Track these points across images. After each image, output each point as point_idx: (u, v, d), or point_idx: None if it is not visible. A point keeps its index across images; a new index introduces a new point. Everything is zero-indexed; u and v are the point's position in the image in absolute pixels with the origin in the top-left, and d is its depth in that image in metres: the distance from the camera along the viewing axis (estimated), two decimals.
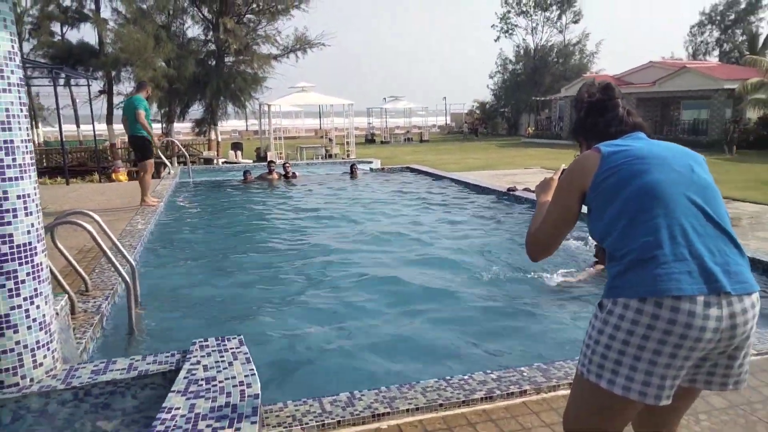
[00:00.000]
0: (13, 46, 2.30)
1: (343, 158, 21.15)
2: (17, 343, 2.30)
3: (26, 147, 2.30)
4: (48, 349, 2.42)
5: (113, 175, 16.62)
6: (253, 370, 2.33)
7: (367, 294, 5.22)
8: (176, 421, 1.94)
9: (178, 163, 17.71)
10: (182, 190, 12.58)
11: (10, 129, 2.23)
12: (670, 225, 1.48)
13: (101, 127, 22.17)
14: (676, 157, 1.61)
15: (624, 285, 1.49)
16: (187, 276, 5.93)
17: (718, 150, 21.66)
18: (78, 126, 30.63)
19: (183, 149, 15.19)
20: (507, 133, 43.07)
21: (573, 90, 33.75)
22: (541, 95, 39.39)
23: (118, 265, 4.10)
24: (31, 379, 2.35)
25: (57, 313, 3.04)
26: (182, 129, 33.59)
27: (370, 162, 16.83)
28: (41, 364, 2.39)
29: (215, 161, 20.61)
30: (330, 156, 22.98)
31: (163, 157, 14.19)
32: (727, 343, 1.47)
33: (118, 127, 21.92)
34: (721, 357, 1.53)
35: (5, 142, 2.21)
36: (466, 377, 3.05)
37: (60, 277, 4.19)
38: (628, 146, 1.64)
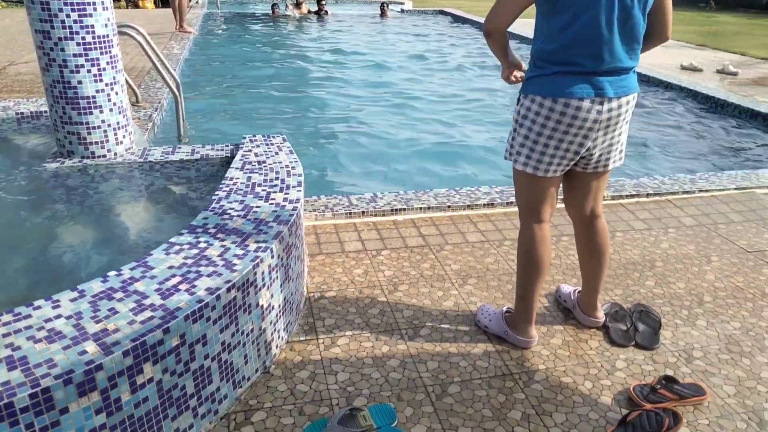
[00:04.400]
0: None
1: None
2: (102, 121, 2.77)
3: None
4: (126, 130, 2.90)
5: (140, 3, 16.36)
6: (296, 158, 2.80)
7: (393, 117, 5.73)
8: (238, 185, 2.45)
9: None
10: (211, 20, 12.51)
11: None
12: (594, 48, 1.76)
13: None
14: None
15: (538, 86, 1.86)
16: (224, 96, 6.37)
17: None
18: None
19: None
20: None
21: None
22: None
23: (167, 77, 4.48)
24: (115, 153, 2.86)
25: None
26: None
27: (402, 3, 16.22)
28: (122, 143, 2.89)
29: None
30: None
31: None
32: (604, 130, 1.89)
33: None
34: (605, 148, 1.96)
35: None
36: (473, 188, 3.53)
37: None
38: None
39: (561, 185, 2.14)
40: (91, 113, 2.72)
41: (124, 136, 2.89)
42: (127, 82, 4.99)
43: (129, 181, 2.78)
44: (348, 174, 4.31)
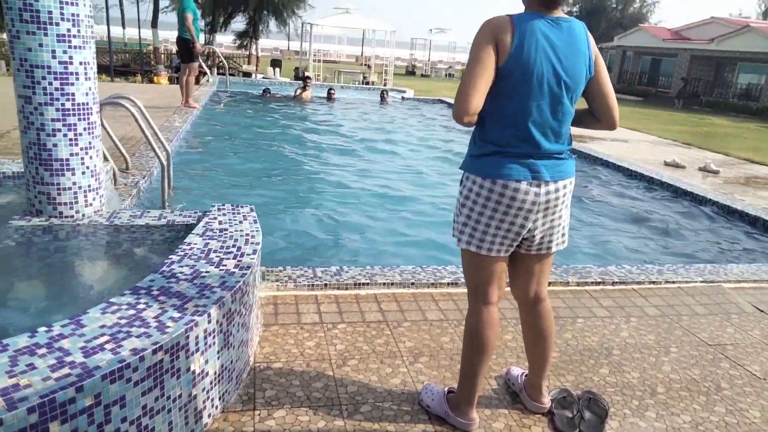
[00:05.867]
0: None
1: (379, 86, 21.23)
2: (74, 183, 2.85)
3: (89, 21, 2.76)
4: (97, 193, 2.98)
5: (155, 78, 17.19)
6: (258, 227, 2.85)
7: (370, 198, 5.88)
8: (194, 251, 2.48)
9: (218, 73, 18.13)
10: (219, 98, 13.07)
11: (76, 4, 2.68)
12: (525, 131, 1.87)
13: (147, 32, 22.58)
14: (563, 58, 1.84)
15: (478, 166, 1.95)
16: (215, 168, 6.55)
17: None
18: (123, 27, 31.04)
19: (223, 59, 15.55)
20: None
21: (627, 40, 32.48)
22: None
23: (156, 147, 4.64)
24: (83, 215, 2.92)
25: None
26: (224, 41, 33.68)
27: (404, 91, 16.97)
28: (91, 204, 2.95)
29: (253, 75, 20.94)
30: (367, 83, 23.03)
31: (204, 65, 14.59)
32: (544, 212, 1.95)
33: (162, 33, 22.27)
34: (546, 230, 2.00)
35: (72, 15, 2.67)
36: (439, 267, 3.55)
37: (106, 153, 4.77)
38: (534, 29, 1.81)
39: (509, 268, 2.17)
40: (63, 175, 2.82)
41: (94, 199, 2.96)
42: (118, 149, 5.18)
43: (92, 241, 2.83)
44: (323, 247, 4.36)
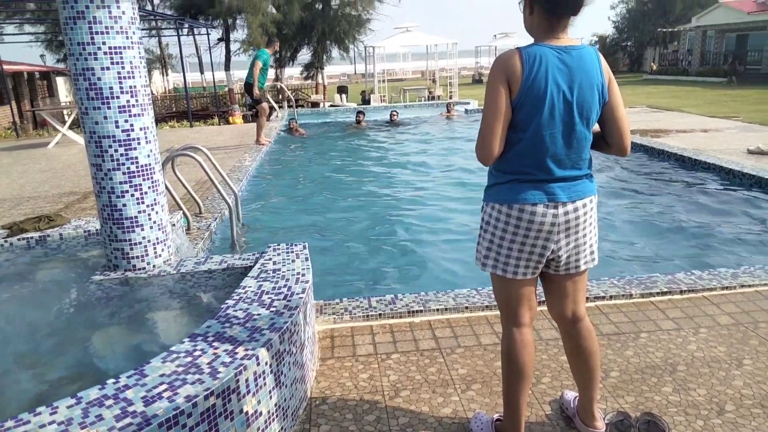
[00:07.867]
0: (134, 13, 3.01)
1: (445, 100, 21.23)
2: (143, 238, 3.13)
3: (145, 90, 3.05)
4: (165, 244, 3.25)
5: (230, 119, 18.21)
6: (308, 265, 2.99)
7: (427, 223, 5.86)
8: (248, 293, 2.66)
9: (288, 106, 18.92)
10: (286, 130, 13.62)
11: (133, 77, 2.97)
12: (540, 160, 1.90)
13: (222, 75, 24.00)
14: (573, 83, 1.84)
15: (495, 194, 2.00)
16: (281, 201, 6.87)
17: None
18: (202, 73, 33.10)
19: (288, 93, 16.20)
20: (628, 69, 40.19)
21: (706, 19, 30.54)
22: (670, 26, 36.04)
23: (221, 190, 4.95)
24: (154, 266, 3.19)
25: (174, 225, 3.92)
26: (293, 74, 35.06)
27: (467, 103, 16.90)
28: (160, 255, 3.22)
29: (321, 104, 21.63)
30: (432, 98, 23.11)
31: (271, 101, 15.29)
32: (566, 233, 1.95)
33: (236, 74, 23.59)
34: (571, 250, 1.99)
35: (130, 87, 2.96)
36: None
37: (179, 201, 5.16)
38: (543, 60, 1.83)
39: (544, 289, 2.17)
40: (133, 231, 3.10)
41: (162, 250, 3.23)
42: (191, 195, 5.57)
43: (162, 290, 3.08)
44: (382, 275, 4.45)
